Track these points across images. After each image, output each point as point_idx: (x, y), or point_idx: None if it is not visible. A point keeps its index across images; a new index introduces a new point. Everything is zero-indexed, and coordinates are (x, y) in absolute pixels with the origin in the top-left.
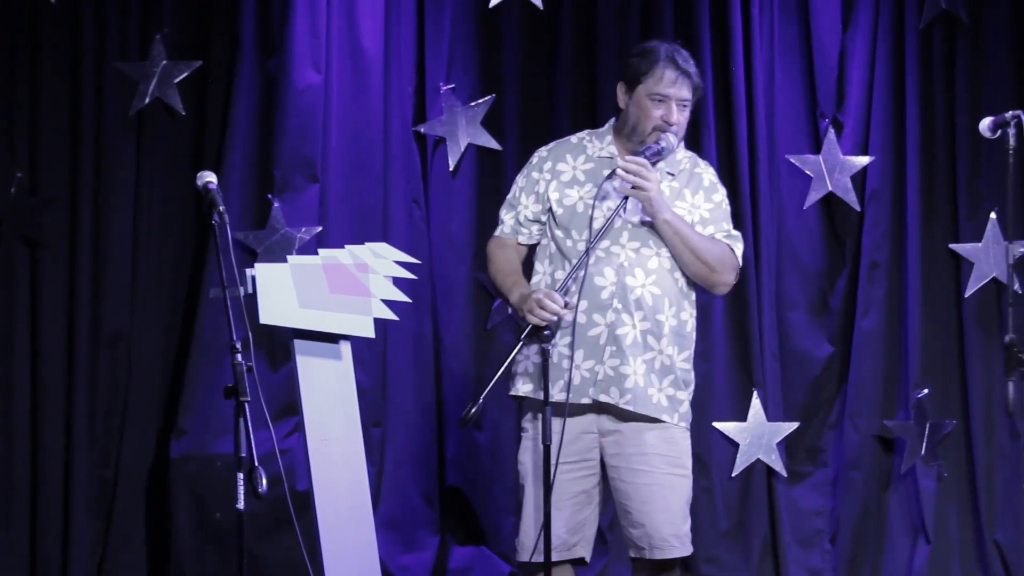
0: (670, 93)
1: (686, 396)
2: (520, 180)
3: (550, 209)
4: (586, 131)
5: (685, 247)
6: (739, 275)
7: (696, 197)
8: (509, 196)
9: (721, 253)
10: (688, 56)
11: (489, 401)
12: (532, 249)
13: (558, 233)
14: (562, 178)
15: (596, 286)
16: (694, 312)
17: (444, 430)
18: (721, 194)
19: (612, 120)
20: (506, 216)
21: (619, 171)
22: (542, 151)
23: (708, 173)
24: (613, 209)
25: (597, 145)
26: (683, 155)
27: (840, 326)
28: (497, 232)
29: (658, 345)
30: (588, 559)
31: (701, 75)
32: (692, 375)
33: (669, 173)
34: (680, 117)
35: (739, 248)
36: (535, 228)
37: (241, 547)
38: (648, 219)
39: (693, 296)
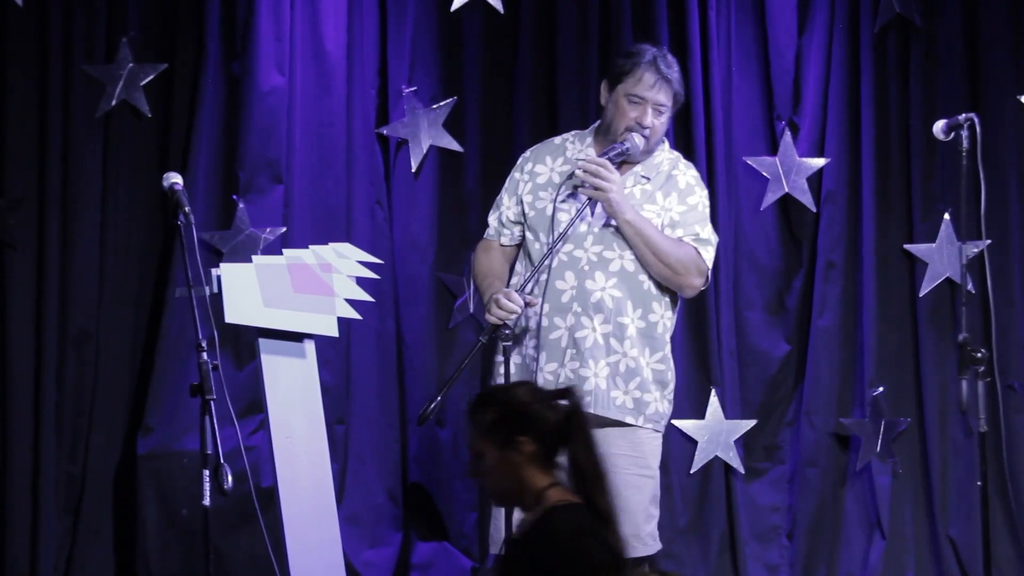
0: (647, 96)
1: (657, 397)
2: (507, 181)
3: (523, 211)
4: (573, 132)
5: (647, 248)
6: (709, 279)
7: (668, 200)
8: (497, 197)
9: (685, 256)
10: (673, 62)
11: (450, 399)
12: (519, 250)
13: (529, 235)
14: (538, 180)
15: (557, 289)
16: (667, 313)
17: (407, 427)
18: (698, 196)
19: (598, 121)
20: (491, 217)
21: (578, 172)
22: (527, 152)
23: (686, 176)
24: (583, 215)
25: (577, 147)
26: (664, 157)
27: (796, 325)
28: (485, 234)
29: (622, 348)
30: None
31: None
32: (669, 375)
33: (644, 176)
34: (655, 121)
35: (707, 252)
36: (516, 229)
37: (207, 543)
38: (613, 222)
39: (667, 298)
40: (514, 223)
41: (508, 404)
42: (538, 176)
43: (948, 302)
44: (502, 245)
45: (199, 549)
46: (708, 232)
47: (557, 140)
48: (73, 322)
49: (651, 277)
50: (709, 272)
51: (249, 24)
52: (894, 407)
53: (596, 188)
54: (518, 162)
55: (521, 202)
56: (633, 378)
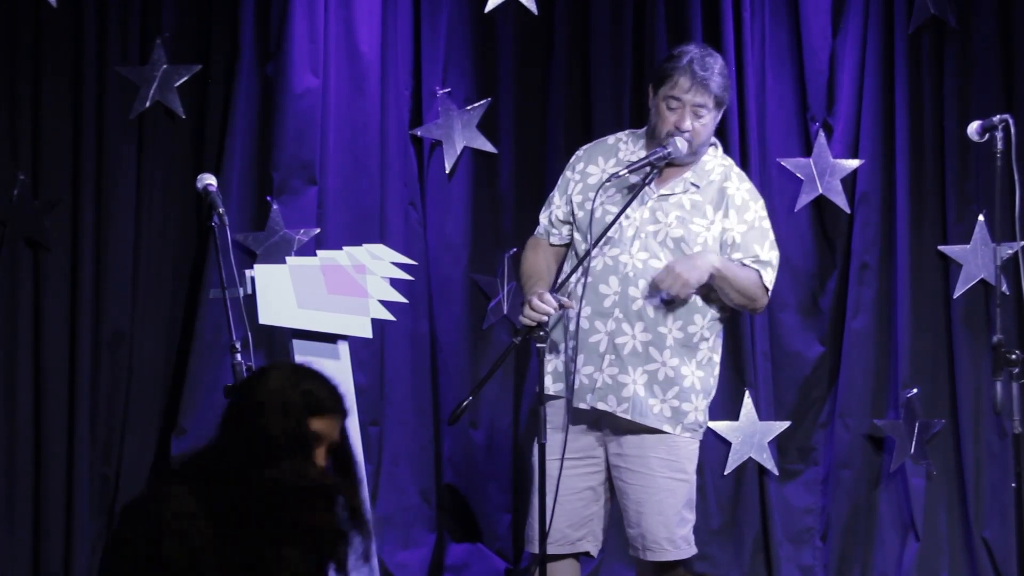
0: (684, 99)
1: (696, 405)
2: (559, 179)
3: (572, 211)
4: (627, 131)
5: (732, 289)
6: (769, 297)
7: (723, 217)
8: (549, 195)
9: (756, 282)
10: (713, 64)
11: (483, 400)
12: (568, 249)
13: (577, 236)
14: (589, 180)
15: (600, 294)
16: (708, 324)
17: (440, 429)
18: (754, 211)
19: None
20: (542, 216)
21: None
22: (580, 151)
23: (740, 190)
24: (629, 217)
25: (630, 147)
26: (715, 164)
27: (830, 327)
28: (535, 232)
29: (661, 357)
30: (595, 554)
31: None
32: (711, 382)
33: (694, 184)
34: (696, 124)
35: (768, 274)
36: (565, 229)
37: None
38: (665, 227)
39: (711, 310)
40: (563, 222)
41: None
42: (589, 176)
43: (982, 304)
44: (551, 244)
45: None
46: (767, 251)
47: (611, 140)
48: (107, 323)
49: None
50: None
51: (283, 26)
52: (928, 409)
53: (683, 286)
54: (571, 160)
55: (571, 202)
56: (671, 387)
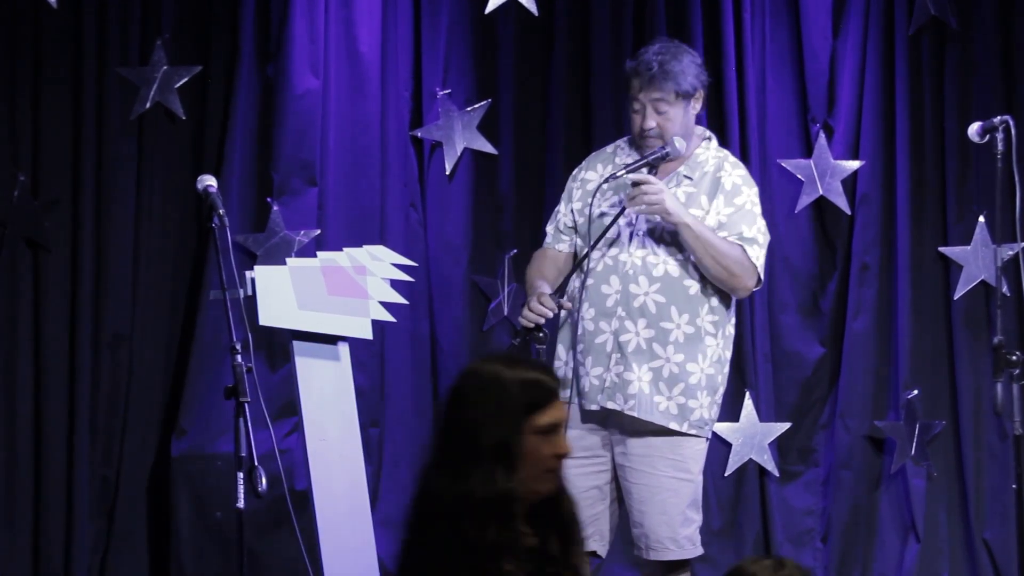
0: (641, 99)
1: (705, 404)
2: (564, 190)
3: (575, 218)
4: (624, 138)
5: (706, 252)
6: (762, 280)
7: (715, 202)
8: (555, 208)
9: (738, 257)
10: (667, 59)
11: None
12: (576, 257)
13: (578, 241)
14: (588, 187)
15: (602, 294)
16: (714, 317)
17: None
18: (745, 196)
19: None
20: (548, 226)
21: (626, 200)
22: (583, 161)
23: (733, 176)
24: (627, 217)
25: (626, 152)
26: (709, 156)
27: (831, 328)
28: (543, 243)
29: (665, 353)
30: (602, 554)
31: None
32: (720, 379)
33: (687, 177)
34: (661, 120)
35: (752, 250)
36: (574, 235)
37: (241, 546)
38: (661, 224)
39: (713, 301)
40: (571, 229)
41: None
42: (588, 183)
43: (983, 305)
44: (558, 251)
45: (233, 552)
46: (754, 231)
47: (609, 148)
48: (107, 325)
49: (697, 281)
50: (761, 272)
51: (283, 26)
52: (929, 410)
53: (648, 204)
54: (574, 171)
55: (573, 209)
56: (677, 384)
